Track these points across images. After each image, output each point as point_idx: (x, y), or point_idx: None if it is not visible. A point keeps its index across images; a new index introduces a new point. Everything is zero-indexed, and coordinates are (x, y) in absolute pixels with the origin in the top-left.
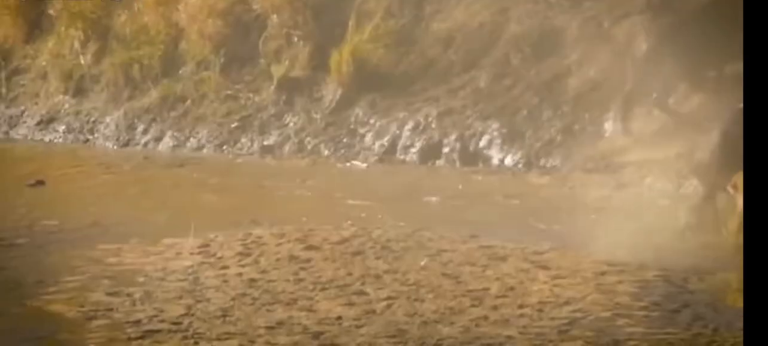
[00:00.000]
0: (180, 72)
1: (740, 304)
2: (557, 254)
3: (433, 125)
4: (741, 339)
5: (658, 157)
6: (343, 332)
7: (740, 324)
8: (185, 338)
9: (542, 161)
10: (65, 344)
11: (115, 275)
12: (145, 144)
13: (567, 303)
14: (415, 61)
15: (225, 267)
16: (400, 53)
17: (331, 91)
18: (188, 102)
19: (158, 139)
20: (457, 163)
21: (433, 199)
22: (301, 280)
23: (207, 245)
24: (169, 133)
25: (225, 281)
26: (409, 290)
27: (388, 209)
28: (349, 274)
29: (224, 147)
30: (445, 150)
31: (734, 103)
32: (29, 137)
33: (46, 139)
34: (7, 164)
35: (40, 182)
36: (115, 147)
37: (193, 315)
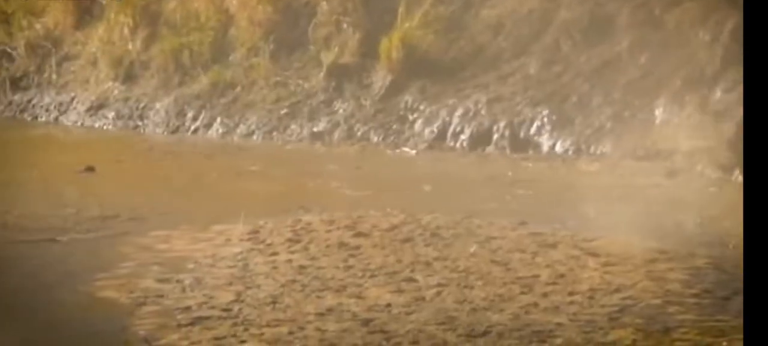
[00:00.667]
0: (230, 58)
1: None
2: (607, 241)
3: (483, 112)
4: None
5: (709, 146)
6: (393, 319)
7: None
8: (235, 324)
9: (592, 148)
10: (117, 331)
11: (165, 261)
12: (195, 131)
13: (617, 290)
14: (465, 47)
15: (274, 254)
16: (450, 40)
17: (380, 78)
18: (238, 88)
19: (208, 126)
20: (507, 150)
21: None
22: (350, 267)
23: (256, 232)
24: (218, 119)
25: (274, 268)
26: (458, 277)
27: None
28: (399, 261)
29: (274, 134)
30: (495, 137)
31: None
32: (79, 123)
33: (96, 125)
34: (58, 150)
35: (90, 169)
36: (165, 133)
37: (242, 302)
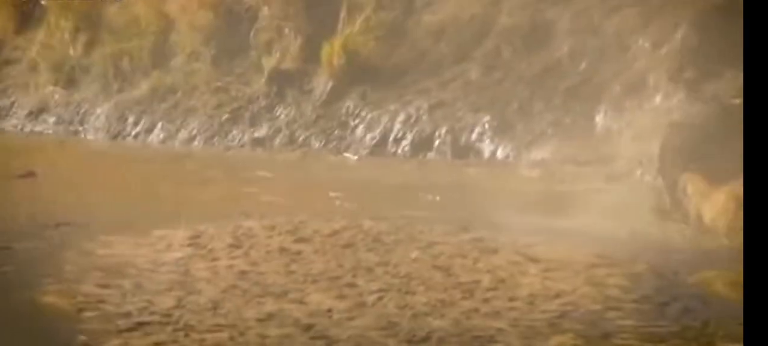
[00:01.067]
0: (171, 63)
1: (730, 296)
2: (548, 246)
3: (425, 118)
4: (730, 332)
5: (649, 151)
6: (334, 325)
7: (729, 317)
8: (176, 330)
9: (533, 154)
10: (58, 336)
11: (106, 266)
12: (136, 136)
13: (557, 296)
14: (407, 53)
15: (215, 259)
16: (392, 45)
17: (322, 84)
18: (179, 94)
19: (149, 131)
20: (449, 156)
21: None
22: (291, 272)
23: (197, 237)
24: (159, 124)
25: (215, 273)
26: (400, 282)
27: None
28: (340, 266)
29: (215, 139)
30: (437, 142)
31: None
32: (19, 128)
33: (37, 130)
34: None
35: (31, 174)
36: (106, 139)
37: (183, 307)
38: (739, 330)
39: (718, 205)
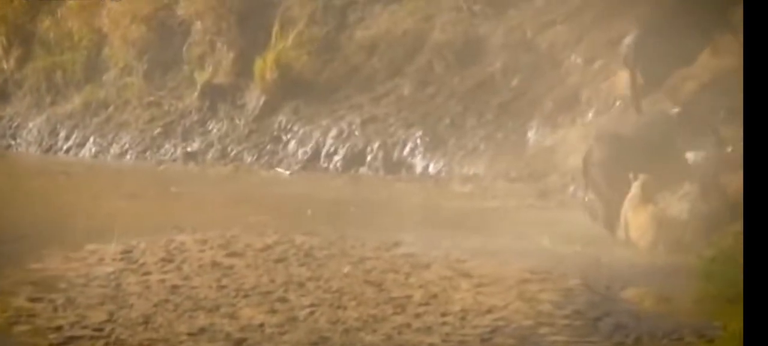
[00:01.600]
0: (103, 78)
1: (660, 312)
2: (480, 261)
3: (357, 133)
4: None
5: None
6: (266, 339)
7: (661, 333)
8: (107, 344)
9: (465, 169)
10: None
11: (38, 280)
12: (68, 150)
13: (489, 311)
14: (339, 68)
15: (147, 273)
16: (324, 60)
17: (254, 98)
18: (111, 108)
19: (81, 145)
20: (381, 171)
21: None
22: (223, 287)
23: (129, 251)
24: (91, 139)
25: (147, 288)
26: (331, 297)
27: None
28: (272, 281)
29: (147, 153)
30: (369, 158)
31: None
32: None
33: None
34: None
35: None
36: (38, 153)
37: (115, 322)
38: None
39: (641, 222)
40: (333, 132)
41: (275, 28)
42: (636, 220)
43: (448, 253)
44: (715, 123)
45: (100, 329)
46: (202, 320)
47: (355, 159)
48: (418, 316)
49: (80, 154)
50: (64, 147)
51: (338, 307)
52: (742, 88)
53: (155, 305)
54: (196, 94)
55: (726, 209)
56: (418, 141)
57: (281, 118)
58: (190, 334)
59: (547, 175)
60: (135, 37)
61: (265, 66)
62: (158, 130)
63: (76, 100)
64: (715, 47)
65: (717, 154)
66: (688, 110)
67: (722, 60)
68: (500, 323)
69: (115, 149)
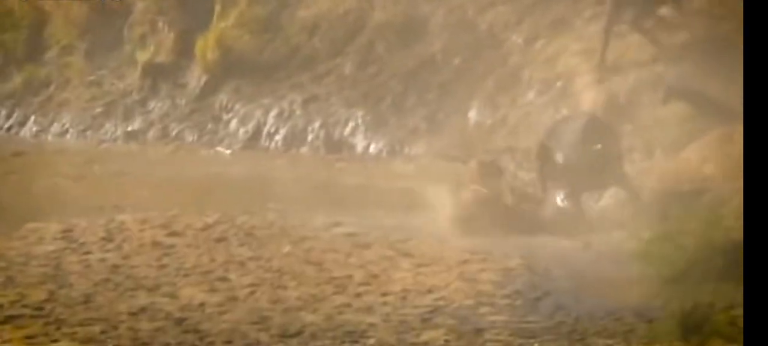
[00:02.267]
0: (44, 57)
1: (600, 292)
2: (420, 242)
3: (298, 112)
4: (602, 329)
5: (522, 147)
6: (206, 319)
7: (601, 313)
8: (47, 323)
9: (406, 149)
10: None
11: None
12: (9, 129)
13: (430, 291)
14: (281, 48)
15: (88, 253)
16: (266, 40)
17: (195, 78)
18: (52, 87)
19: (22, 124)
20: (322, 151)
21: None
22: (164, 266)
23: (70, 231)
24: (32, 118)
25: (87, 267)
26: (272, 276)
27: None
28: (213, 260)
29: (88, 133)
30: (310, 137)
31: None
32: None
33: None
34: None
35: None
36: None
37: (55, 301)
38: (612, 326)
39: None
40: (274, 111)
41: (217, 8)
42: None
43: (389, 233)
44: None
45: (40, 309)
46: (142, 299)
47: (296, 138)
48: (358, 296)
49: (21, 133)
50: (5, 126)
51: (278, 286)
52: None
53: (96, 284)
54: (137, 73)
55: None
56: (360, 121)
57: (222, 97)
58: (130, 313)
59: (488, 154)
60: (77, 16)
61: (206, 46)
62: (99, 109)
63: (17, 79)
64: None
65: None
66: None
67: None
68: (440, 302)
69: (55, 128)
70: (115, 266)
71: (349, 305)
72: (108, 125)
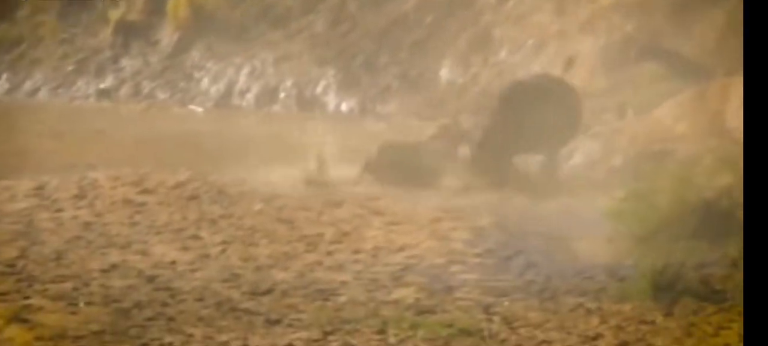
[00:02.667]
0: (17, 15)
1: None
2: (392, 199)
3: (270, 70)
4: (573, 287)
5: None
6: (177, 276)
7: (572, 272)
8: (19, 280)
9: (378, 107)
10: None
11: None
12: None
13: (401, 249)
14: (253, 6)
15: (60, 210)
16: None
17: (167, 36)
18: (24, 45)
19: None
20: (294, 109)
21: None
22: (135, 224)
23: (42, 188)
24: (4, 75)
25: (60, 224)
26: (243, 234)
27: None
28: (184, 218)
29: (60, 90)
30: (282, 95)
31: None
32: None
33: None
34: None
35: None
36: None
37: (27, 258)
38: (583, 284)
39: None
40: (246, 69)
41: None
42: None
43: (360, 191)
44: None
45: (12, 266)
46: (114, 256)
47: (268, 97)
48: (329, 254)
49: None
50: None
51: (250, 244)
52: None
53: (67, 242)
54: (109, 31)
55: None
56: (331, 79)
57: (194, 55)
58: (102, 270)
59: (460, 113)
60: None
61: (178, 3)
62: (71, 67)
63: None
64: None
65: None
66: None
67: None
68: (412, 261)
69: (28, 86)
70: (87, 224)
71: (320, 263)
72: (80, 83)
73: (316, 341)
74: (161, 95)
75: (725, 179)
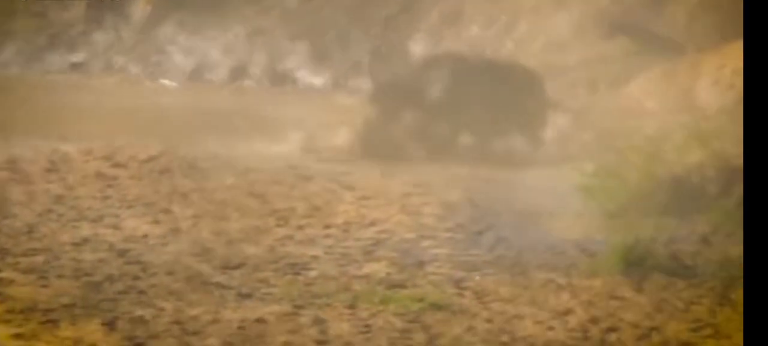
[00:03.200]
0: None
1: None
2: (363, 174)
3: (242, 45)
4: (544, 262)
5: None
6: (149, 250)
7: (543, 246)
8: None
9: (350, 82)
10: None
11: None
12: None
13: (372, 224)
14: None
15: (31, 183)
16: None
17: (139, 10)
18: None
19: None
20: (265, 83)
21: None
22: (107, 197)
23: (13, 161)
24: None
25: (31, 197)
26: (215, 208)
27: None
28: (156, 192)
29: (33, 64)
30: (254, 70)
31: None
32: None
33: None
34: None
35: None
36: None
37: None
38: (554, 259)
39: None
40: (218, 44)
41: None
42: None
43: (331, 166)
44: None
45: None
46: (85, 230)
47: (240, 71)
48: (300, 228)
49: None
50: None
51: (221, 218)
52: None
53: (39, 215)
54: (82, 5)
55: None
56: (304, 54)
57: (167, 29)
58: (73, 244)
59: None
60: None
61: None
62: (44, 41)
63: None
64: None
65: None
66: None
67: None
68: (383, 235)
69: (0, 59)
70: (59, 197)
71: (291, 238)
72: (52, 57)
73: (287, 315)
74: (133, 69)
75: (695, 155)
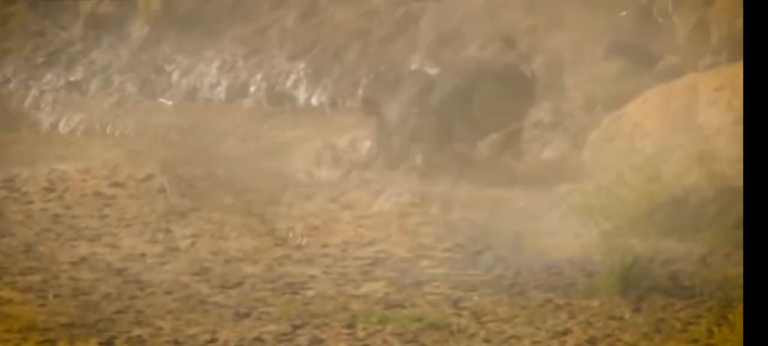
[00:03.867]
0: None
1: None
2: (361, 193)
3: (240, 64)
4: (541, 283)
5: None
6: (147, 269)
7: (540, 267)
8: None
9: (348, 102)
10: None
11: None
12: None
13: (370, 243)
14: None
15: (29, 202)
16: None
17: (138, 28)
18: None
19: None
20: (264, 103)
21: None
22: (105, 216)
23: (11, 180)
24: None
25: (29, 216)
26: (213, 228)
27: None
28: (154, 211)
29: (30, 82)
30: (252, 89)
31: None
32: None
33: None
34: None
35: None
36: None
37: None
38: (552, 280)
39: None
40: (216, 63)
41: None
42: None
43: (331, 185)
44: None
45: None
46: (83, 249)
47: (238, 91)
48: (299, 247)
49: None
50: None
51: (220, 238)
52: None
53: (37, 234)
54: (80, 23)
55: None
56: (302, 73)
57: (165, 49)
58: (71, 263)
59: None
60: None
61: None
62: (42, 59)
63: None
64: None
65: None
66: None
67: None
68: (381, 255)
69: None
70: (57, 216)
71: (289, 257)
72: (50, 75)
73: (285, 334)
74: (131, 88)
75: (694, 175)
